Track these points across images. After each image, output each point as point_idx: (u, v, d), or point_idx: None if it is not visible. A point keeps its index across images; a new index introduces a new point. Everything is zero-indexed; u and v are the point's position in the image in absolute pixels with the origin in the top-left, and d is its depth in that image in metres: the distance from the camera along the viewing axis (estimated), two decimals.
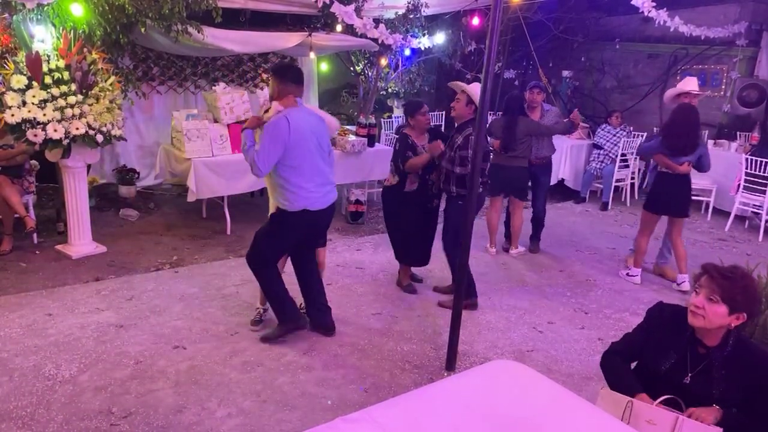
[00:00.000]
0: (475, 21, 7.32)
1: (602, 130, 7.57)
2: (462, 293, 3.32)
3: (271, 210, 3.57)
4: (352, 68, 8.27)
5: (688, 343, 2.13)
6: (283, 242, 3.56)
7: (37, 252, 4.87)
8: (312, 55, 7.06)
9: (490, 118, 5.38)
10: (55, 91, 4.25)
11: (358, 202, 6.18)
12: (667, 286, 4.94)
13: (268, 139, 3.24)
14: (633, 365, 2.34)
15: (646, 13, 6.36)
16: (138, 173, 6.68)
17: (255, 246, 3.56)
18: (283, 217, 3.45)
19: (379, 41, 6.54)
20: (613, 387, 2.23)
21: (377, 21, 6.54)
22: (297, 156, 3.33)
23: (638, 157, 7.61)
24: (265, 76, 7.66)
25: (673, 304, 2.34)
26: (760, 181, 6.33)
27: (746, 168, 6.43)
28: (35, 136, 4.21)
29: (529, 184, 5.60)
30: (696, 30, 7.11)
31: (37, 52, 4.19)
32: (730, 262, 2.23)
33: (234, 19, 6.11)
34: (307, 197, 3.40)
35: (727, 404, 2.07)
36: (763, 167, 6.31)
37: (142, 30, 4.97)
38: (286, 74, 3.42)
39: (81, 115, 4.38)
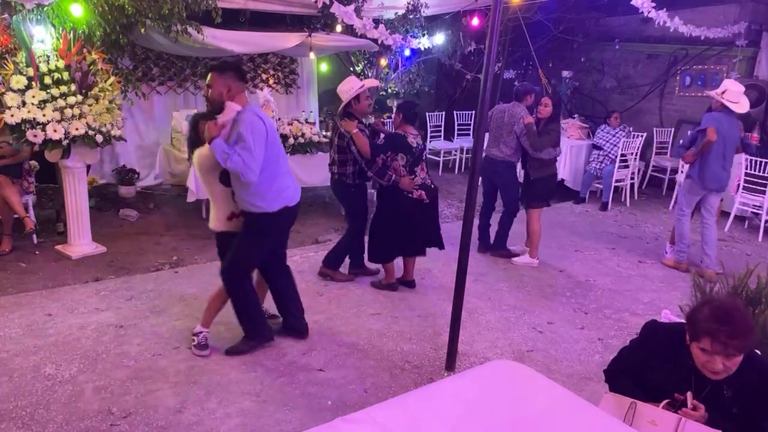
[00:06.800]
0: (475, 21, 7.32)
1: (602, 130, 7.56)
2: (462, 292, 3.32)
3: (217, 224, 3.37)
4: (351, 68, 8.27)
5: (693, 367, 2.10)
6: (263, 248, 3.39)
7: (36, 252, 4.87)
8: (312, 55, 7.07)
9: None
10: (54, 91, 4.25)
11: None
12: (667, 286, 4.94)
13: (253, 140, 3.03)
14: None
15: (645, 14, 6.36)
16: (138, 173, 6.68)
17: (235, 260, 3.32)
18: (263, 222, 3.26)
19: (379, 41, 6.54)
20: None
21: (377, 21, 6.54)
22: (275, 153, 3.23)
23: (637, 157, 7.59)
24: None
25: (667, 323, 2.32)
26: (759, 181, 6.34)
27: (746, 168, 6.43)
28: (35, 136, 4.21)
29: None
30: (696, 30, 7.10)
31: (31, 52, 4.19)
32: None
33: (234, 20, 6.11)
34: (286, 194, 3.31)
35: (743, 417, 2.04)
36: (763, 167, 6.31)
37: (142, 30, 4.97)
38: (237, 71, 3.23)
39: (81, 116, 4.38)
